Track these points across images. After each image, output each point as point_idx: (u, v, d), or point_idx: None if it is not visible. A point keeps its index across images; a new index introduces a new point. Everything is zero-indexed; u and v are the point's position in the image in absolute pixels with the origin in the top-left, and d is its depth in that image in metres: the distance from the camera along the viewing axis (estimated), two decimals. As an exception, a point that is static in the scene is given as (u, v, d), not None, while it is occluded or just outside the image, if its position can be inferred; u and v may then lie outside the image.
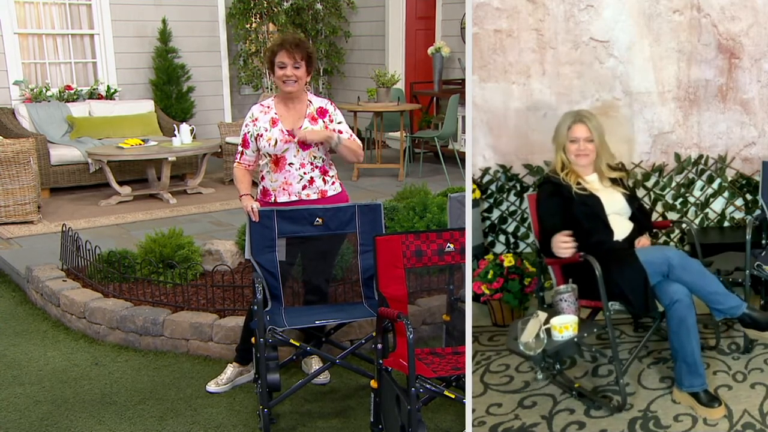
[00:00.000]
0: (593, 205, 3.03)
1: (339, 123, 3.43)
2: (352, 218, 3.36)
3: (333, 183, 3.48)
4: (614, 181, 3.14)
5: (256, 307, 3.03)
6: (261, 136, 3.34)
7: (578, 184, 3.06)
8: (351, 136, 3.43)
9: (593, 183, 3.10)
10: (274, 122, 3.35)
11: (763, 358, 3.14)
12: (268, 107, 3.40)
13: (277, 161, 3.35)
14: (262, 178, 3.45)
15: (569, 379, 3.04)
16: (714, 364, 3.11)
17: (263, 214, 3.28)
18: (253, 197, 3.36)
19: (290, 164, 3.35)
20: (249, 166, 3.46)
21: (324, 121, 3.38)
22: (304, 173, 3.37)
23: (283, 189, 3.37)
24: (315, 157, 3.37)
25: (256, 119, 3.38)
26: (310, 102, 3.41)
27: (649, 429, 2.74)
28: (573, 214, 3.02)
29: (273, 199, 3.39)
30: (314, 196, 3.40)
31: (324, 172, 3.43)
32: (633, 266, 2.83)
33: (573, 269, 2.99)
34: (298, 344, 3.19)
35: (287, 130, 3.33)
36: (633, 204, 3.13)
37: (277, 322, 3.12)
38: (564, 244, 2.86)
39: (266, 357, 3.00)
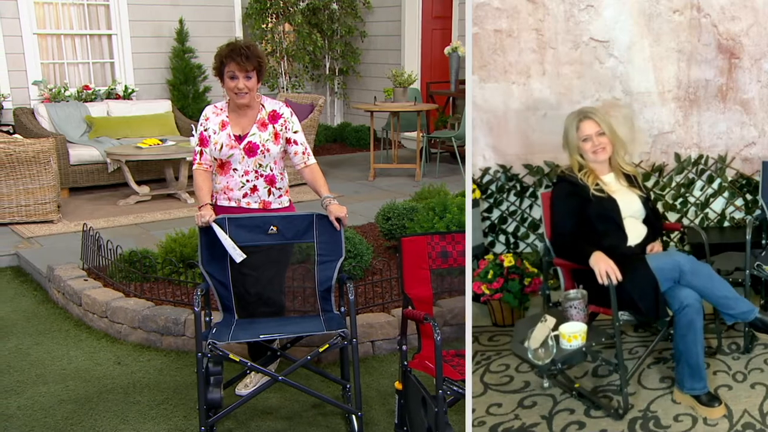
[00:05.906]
0: (610, 208, 3.01)
1: (295, 132, 3.30)
2: (310, 227, 3.19)
3: (280, 196, 3.35)
4: (629, 181, 3.12)
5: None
6: (209, 138, 3.26)
7: (596, 185, 3.03)
8: (306, 149, 3.32)
9: (611, 184, 3.08)
10: (223, 125, 3.25)
11: (763, 358, 3.14)
12: (221, 109, 3.30)
13: (222, 165, 3.27)
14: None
15: (569, 379, 3.03)
16: (714, 364, 3.10)
17: (215, 223, 3.12)
18: (212, 207, 3.22)
19: (234, 170, 3.25)
20: (210, 167, 3.31)
21: (275, 127, 3.25)
22: (247, 180, 3.26)
23: (224, 193, 3.29)
24: (261, 165, 3.26)
25: (208, 118, 3.29)
26: (263, 106, 3.29)
27: (649, 429, 2.74)
28: (588, 215, 3.00)
29: (215, 201, 3.31)
30: (255, 206, 3.29)
31: (270, 182, 3.30)
32: (644, 274, 2.81)
33: (583, 273, 2.96)
34: (237, 359, 2.94)
35: (235, 135, 3.22)
36: (647, 206, 3.12)
37: (221, 336, 2.99)
38: (611, 271, 2.79)
39: (210, 372, 2.90)
